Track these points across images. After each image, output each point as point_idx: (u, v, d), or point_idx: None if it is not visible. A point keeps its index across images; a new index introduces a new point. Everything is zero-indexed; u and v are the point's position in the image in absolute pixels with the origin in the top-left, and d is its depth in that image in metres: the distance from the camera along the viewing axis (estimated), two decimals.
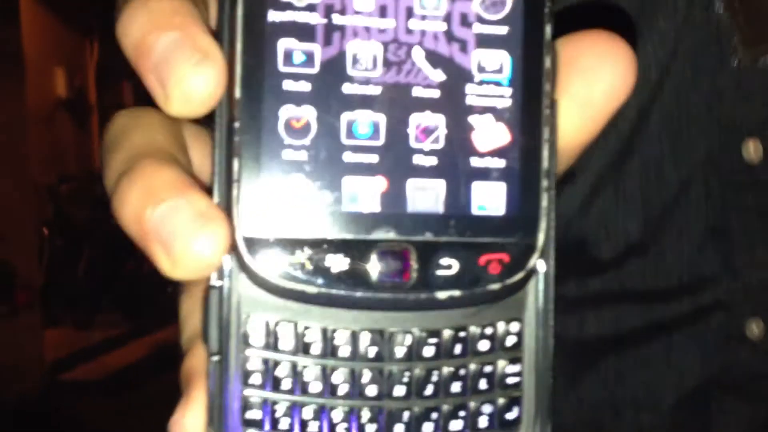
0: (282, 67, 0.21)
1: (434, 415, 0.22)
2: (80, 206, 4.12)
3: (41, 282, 3.43)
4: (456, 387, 0.22)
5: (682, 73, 0.49)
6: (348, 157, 0.21)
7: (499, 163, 0.22)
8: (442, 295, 0.21)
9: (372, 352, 0.22)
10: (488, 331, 0.22)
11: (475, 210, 0.22)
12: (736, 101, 0.49)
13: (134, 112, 0.24)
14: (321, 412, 0.21)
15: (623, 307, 0.52)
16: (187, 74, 0.20)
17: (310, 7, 0.21)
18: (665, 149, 0.49)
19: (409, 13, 0.21)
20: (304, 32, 0.21)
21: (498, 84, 0.22)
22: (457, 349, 0.22)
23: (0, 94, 2.92)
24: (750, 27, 0.47)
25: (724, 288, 0.50)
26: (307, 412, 0.21)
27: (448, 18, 0.22)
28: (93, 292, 3.88)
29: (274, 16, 0.21)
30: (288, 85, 0.21)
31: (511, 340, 0.23)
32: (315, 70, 0.21)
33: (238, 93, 0.21)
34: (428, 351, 0.22)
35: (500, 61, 0.22)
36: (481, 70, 0.22)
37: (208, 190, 0.22)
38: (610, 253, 0.51)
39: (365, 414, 0.22)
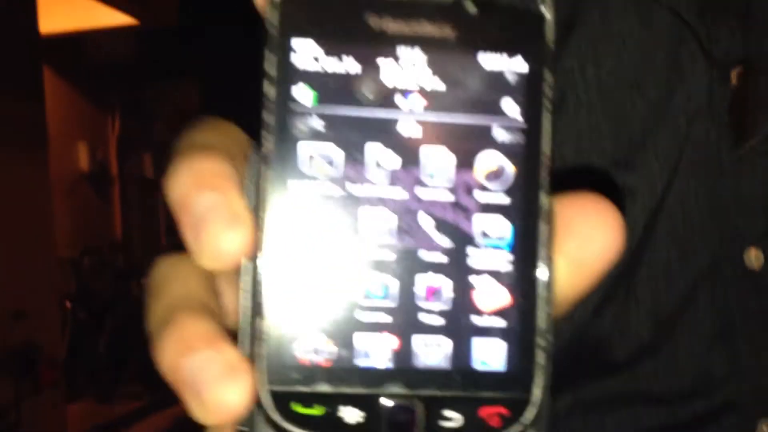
0: (302, 235, 0.23)
1: None
2: (102, 278, 4.15)
3: (64, 356, 3.43)
4: None
5: (685, 186, 0.51)
6: (362, 316, 0.23)
7: (499, 322, 0.24)
8: None
9: None
10: None
11: (477, 366, 0.24)
12: (736, 212, 0.51)
13: (173, 261, 0.26)
14: None
15: (639, 409, 0.54)
16: (218, 235, 0.22)
17: (329, 181, 0.23)
18: (672, 257, 0.52)
19: (418, 183, 0.23)
20: (323, 203, 0.23)
21: (499, 248, 0.24)
22: None
23: (24, 170, 2.97)
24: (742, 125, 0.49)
25: (733, 390, 0.52)
26: None
27: (453, 188, 0.24)
28: (115, 365, 3.88)
29: (295, 190, 0.23)
30: (308, 251, 0.23)
31: None
32: (333, 237, 0.23)
33: (261, 256, 0.23)
34: None
35: (501, 228, 0.24)
36: (483, 235, 0.24)
37: (235, 336, 0.24)
38: (624, 356, 0.53)
39: None
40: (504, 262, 0.24)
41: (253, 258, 0.23)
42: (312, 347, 0.23)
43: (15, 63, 2.90)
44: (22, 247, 2.87)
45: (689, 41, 0.51)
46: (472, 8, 0.23)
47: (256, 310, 0.23)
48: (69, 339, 3.67)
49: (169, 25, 4.16)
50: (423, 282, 0.24)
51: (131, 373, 3.90)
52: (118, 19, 3.77)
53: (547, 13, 0.24)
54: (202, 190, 0.23)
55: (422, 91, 0.23)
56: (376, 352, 0.23)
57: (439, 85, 0.23)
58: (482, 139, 0.24)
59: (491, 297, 0.24)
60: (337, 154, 0.23)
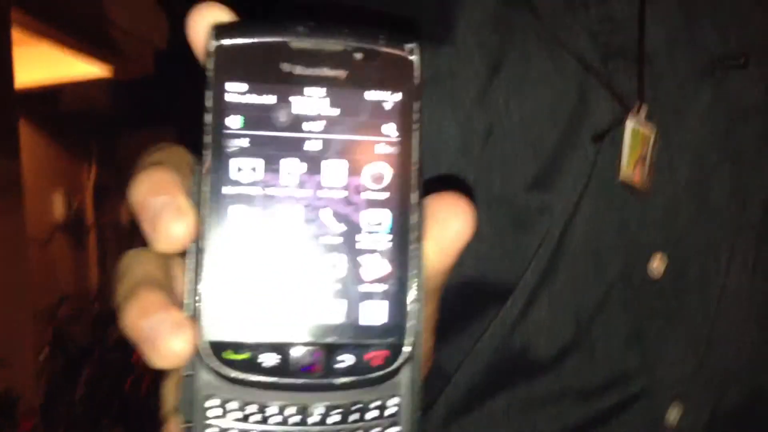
0: (232, 225, 0.30)
1: None
2: (79, 325, 4.15)
3: (41, 404, 3.41)
4: None
5: (594, 205, 0.59)
6: (279, 285, 0.31)
7: (382, 288, 0.31)
8: (340, 381, 0.31)
9: (295, 420, 0.31)
10: (376, 404, 0.32)
11: (365, 321, 0.31)
12: (640, 227, 0.60)
13: (136, 252, 0.33)
14: None
15: (565, 405, 0.61)
16: (169, 224, 0.30)
17: (252, 186, 0.30)
18: (587, 266, 0.60)
19: (319, 186, 0.31)
20: (248, 202, 0.30)
21: (381, 233, 0.31)
22: (354, 417, 0.31)
23: None
24: None
25: (645, 381, 0.61)
26: None
27: (346, 188, 0.31)
28: (92, 411, 3.86)
29: (227, 192, 0.30)
30: (237, 237, 0.30)
31: (391, 411, 0.32)
32: (256, 226, 0.31)
33: (202, 240, 0.30)
34: (333, 419, 0.31)
35: (383, 217, 0.31)
36: (369, 223, 0.31)
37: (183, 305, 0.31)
38: (549, 356, 0.60)
39: None
40: (385, 242, 0.31)
41: (196, 242, 0.30)
42: (240, 307, 0.30)
43: None
44: None
45: (594, 83, 0.59)
46: (358, 55, 0.31)
47: (197, 280, 0.30)
48: (46, 386, 3.65)
49: (142, 74, 4.26)
50: (324, 258, 0.31)
51: (109, 420, 3.88)
52: (93, 70, 3.85)
53: (413, 57, 0.32)
54: (157, 194, 0.30)
55: (322, 117, 0.31)
56: (289, 311, 0.31)
57: (335, 113, 0.31)
58: (367, 151, 0.32)
59: (376, 269, 0.31)
60: (259, 165, 0.31)
